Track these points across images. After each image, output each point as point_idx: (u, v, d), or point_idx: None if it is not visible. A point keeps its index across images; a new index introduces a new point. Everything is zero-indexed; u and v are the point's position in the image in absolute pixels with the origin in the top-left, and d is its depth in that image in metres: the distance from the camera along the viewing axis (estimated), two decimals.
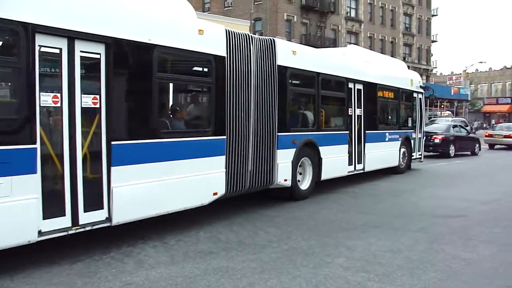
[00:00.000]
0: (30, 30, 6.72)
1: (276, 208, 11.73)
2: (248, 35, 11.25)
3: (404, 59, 68.34)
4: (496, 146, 36.44)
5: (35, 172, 6.79)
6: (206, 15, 43.11)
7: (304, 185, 13.25)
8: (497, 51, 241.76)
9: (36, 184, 6.81)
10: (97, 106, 7.67)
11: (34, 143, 6.78)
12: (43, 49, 6.99)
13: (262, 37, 11.95)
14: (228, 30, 10.54)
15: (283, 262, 7.47)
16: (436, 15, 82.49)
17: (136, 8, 8.48)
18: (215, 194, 10.05)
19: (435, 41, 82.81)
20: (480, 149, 31.67)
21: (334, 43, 56.86)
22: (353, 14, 63.63)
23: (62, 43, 7.19)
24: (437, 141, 27.33)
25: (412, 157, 20.50)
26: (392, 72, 18.92)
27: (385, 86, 17.85)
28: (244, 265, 7.30)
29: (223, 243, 8.55)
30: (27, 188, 6.71)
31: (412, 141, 20.24)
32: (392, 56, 65.52)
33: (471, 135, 32.38)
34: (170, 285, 6.41)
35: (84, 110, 7.46)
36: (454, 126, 30.49)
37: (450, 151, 28.06)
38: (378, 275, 6.91)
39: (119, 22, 8.04)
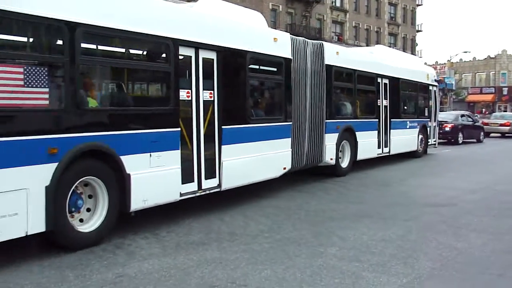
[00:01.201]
0: (175, 43, 9.11)
1: (266, 199, 11.71)
2: (305, 40, 14.00)
3: None
4: (491, 134, 37.94)
5: (178, 149, 9.12)
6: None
7: (344, 163, 15.81)
8: (481, 40, 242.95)
9: (178, 158, 9.13)
10: (212, 99, 10.11)
11: (178, 127, 9.15)
12: (181, 56, 9.32)
13: (314, 41, 14.72)
14: (292, 37, 13.22)
15: (276, 252, 7.43)
16: (421, 4, 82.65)
17: (235, 25, 11.12)
18: (284, 168, 12.51)
19: (420, 31, 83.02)
20: (484, 137, 34.00)
21: (319, 33, 56.83)
22: (338, 3, 63.58)
23: (192, 52, 9.61)
24: (447, 129, 29.20)
25: (428, 143, 23.05)
26: (411, 67, 21.36)
27: (406, 80, 20.34)
28: (237, 255, 7.25)
29: (215, 234, 8.51)
30: (174, 160, 9.03)
31: (428, 129, 22.84)
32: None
33: (476, 124, 34.16)
34: (163, 277, 6.34)
35: (204, 103, 9.86)
36: (462, 116, 32.65)
37: (459, 139, 30.27)
38: (372, 265, 6.90)
39: (225, 35, 10.52)
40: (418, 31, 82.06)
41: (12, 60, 6.67)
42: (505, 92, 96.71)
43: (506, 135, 37.99)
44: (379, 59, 18.62)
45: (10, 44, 6.90)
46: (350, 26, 64.98)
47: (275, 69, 12.75)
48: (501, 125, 38.16)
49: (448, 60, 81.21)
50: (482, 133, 33.65)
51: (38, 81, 6.81)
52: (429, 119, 22.99)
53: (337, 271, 6.63)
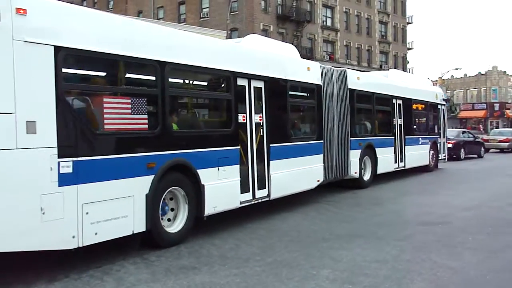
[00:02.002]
0: (234, 75, 10.96)
1: (257, 220, 11.55)
2: (331, 68, 16.09)
3: (380, 67, 68.72)
4: (491, 150, 39.00)
5: (238, 164, 10.89)
6: (183, 26, 42.93)
7: (366, 177, 17.49)
8: (471, 57, 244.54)
9: (238, 171, 10.88)
10: (261, 121, 11.83)
11: (238, 145, 10.96)
12: (238, 86, 11.10)
13: (338, 68, 16.93)
14: (321, 66, 15.12)
15: (268, 276, 7.29)
16: (411, 22, 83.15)
17: (277, 57, 13.09)
18: (318, 181, 14.27)
19: (411, 49, 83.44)
20: (485, 152, 35.12)
21: (310, 52, 56.99)
22: (329, 23, 63.82)
23: (246, 82, 11.42)
24: (450, 145, 28.89)
25: (439, 158, 24.70)
26: (421, 88, 23.32)
27: (417, 100, 22.28)
28: (228, 279, 7.10)
29: (205, 258, 8.35)
30: (235, 173, 10.80)
31: (438, 145, 24.54)
32: (368, 64, 65.93)
33: (477, 140, 35.53)
34: None
35: (256, 125, 11.61)
36: (463, 132, 34.76)
37: (461, 154, 31.39)
38: (365, 287, 6.77)
39: (270, 67, 12.34)
40: (409, 48, 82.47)
41: (123, 94, 8.59)
42: (496, 108, 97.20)
43: (505, 150, 39.33)
44: (394, 82, 20.53)
45: (120, 81, 8.92)
46: (341, 45, 65.19)
47: (308, 94, 14.58)
48: (501, 141, 39.68)
49: (440, 77, 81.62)
50: (482, 149, 34.79)
51: (139, 110, 8.65)
52: (439, 136, 24.69)
53: None
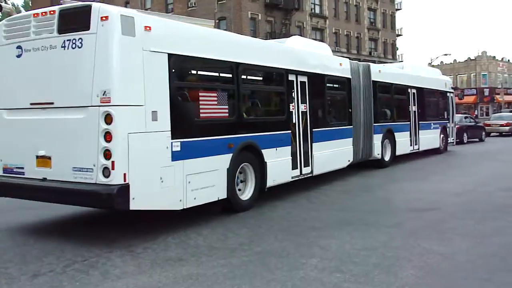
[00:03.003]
0: (289, 72, 13.40)
1: (247, 209, 11.43)
2: (357, 63, 18.58)
3: (370, 54, 68.73)
4: (491, 134, 40.98)
5: (289, 145, 13.16)
6: (170, 16, 42.66)
7: (387, 157, 19.71)
8: (460, 43, 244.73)
9: (289, 151, 13.14)
10: (305, 110, 14.06)
11: (289, 130, 13.24)
12: (289, 80, 13.41)
13: (363, 63, 19.32)
14: (350, 61, 17.65)
15: (256, 266, 7.21)
16: (400, 9, 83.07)
17: (317, 56, 15.50)
18: (349, 161, 16.68)
19: (400, 35, 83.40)
20: (486, 136, 36.89)
21: None
22: (317, 10, 63.65)
23: (294, 77, 13.64)
24: (454, 130, 29.58)
25: (448, 141, 26.76)
26: (432, 78, 25.57)
27: (429, 89, 24.43)
28: (215, 270, 7.01)
29: (193, 249, 8.26)
30: (287, 153, 13.06)
31: (447, 129, 26.61)
32: (357, 51, 65.83)
33: (478, 124, 37.36)
34: None
35: (301, 112, 13.87)
36: (466, 117, 36.21)
37: (464, 138, 32.90)
38: (354, 275, 6.69)
39: (312, 65, 14.67)
40: (398, 35, 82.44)
41: (212, 89, 10.91)
42: (486, 93, 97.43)
43: (504, 134, 41.19)
44: (408, 73, 22.76)
45: (209, 79, 11.50)
46: (330, 32, 65.06)
47: (340, 86, 16.79)
48: (502, 125, 41.61)
49: (429, 63, 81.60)
50: (483, 133, 36.55)
51: (222, 101, 10.97)
52: (448, 121, 26.77)
53: (318, 283, 6.43)
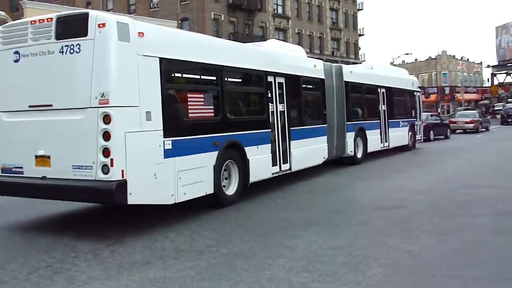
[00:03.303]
0: (268, 74, 14.15)
1: (211, 211, 11.39)
2: (331, 64, 19.62)
3: (332, 54, 69.13)
4: (457, 131, 42.01)
5: (270, 143, 13.87)
6: (133, 17, 42.30)
7: (359, 155, 20.39)
8: (421, 42, 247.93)
9: (269, 149, 13.85)
10: (283, 109, 14.79)
11: (269, 129, 13.95)
12: (268, 81, 14.15)
13: (336, 64, 20.58)
14: (323, 63, 18.55)
15: (223, 268, 7.15)
16: (362, 9, 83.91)
17: (293, 58, 16.50)
18: (324, 157, 17.47)
19: (362, 35, 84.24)
20: (451, 133, 37.99)
21: (262, 41, 56.82)
22: (280, 10, 63.82)
23: (272, 78, 14.34)
24: (421, 128, 30.79)
25: (416, 138, 27.84)
26: (400, 78, 26.77)
27: (397, 88, 25.40)
28: (182, 273, 6.94)
29: (159, 251, 8.17)
30: (268, 150, 13.79)
31: (415, 127, 27.71)
32: (320, 51, 66.16)
33: (443, 122, 39.02)
34: None
35: (280, 112, 14.56)
36: (432, 115, 38.19)
37: (431, 136, 34.05)
38: (322, 275, 6.69)
39: (288, 67, 15.48)
40: (360, 35, 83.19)
41: (199, 91, 11.68)
42: (447, 92, 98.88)
43: (468, 131, 42.33)
44: (378, 74, 23.74)
45: (197, 81, 12.18)
46: (293, 32, 65.29)
47: (315, 87, 17.65)
48: (466, 122, 42.99)
49: (391, 62, 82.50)
50: (448, 130, 37.75)
51: (208, 102, 11.73)
52: (415, 119, 27.88)
53: (286, 283, 6.41)
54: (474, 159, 22.05)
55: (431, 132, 34.41)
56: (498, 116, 62.84)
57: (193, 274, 6.91)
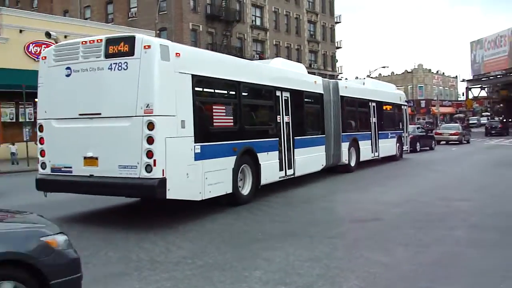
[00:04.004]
0: (276, 89, 15.86)
1: (188, 222, 11.34)
2: (329, 80, 21.97)
3: (310, 66, 69.34)
4: (441, 142, 44.81)
5: (277, 150, 15.57)
6: (111, 26, 42.10)
7: (352, 163, 22.08)
8: (398, 55, 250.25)
9: (277, 155, 15.56)
10: (289, 121, 16.55)
11: (277, 137, 15.75)
12: (276, 95, 15.90)
13: (332, 80, 23.11)
14: (322, 79, 20.72)
15: (199, 280, 7.09)
16: (340, 22, 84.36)
17: (297, 75, 18.35)
18: (322, 165, 19.30)
19: (340, 48, 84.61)
20: (435, 145, 40.06)
21: (240, 52, 56.96)
22: (258, 22, 63.95)
23: (280, 93, 16.09)
24: (408, 139, 32.63)
25: (403, 150, 29.63)
26: (389, 92, 28.89)
27: (387, 102, 27.52)
28: (158, 285, 6.87)
29: (135, 263, 8.06)
30: (276, 157, 15.49)
31: (403, 138, 29.59)
32: (298, 62, 66.44)
33: (429, 134, 40.80)
34: None
35: (285, 123, 16.35)
36: (418, 128, 40.36)
37: (417, 147, 35.79)
38: (299, 287, 6.66)
39: (292, 83, 17.19)
40: (337, 47, 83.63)
41: (222, 103, 13.47)
42: (423, 105, 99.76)
43: (450, 142, 45.33)
44: (370, 89, 25.94)
45: (220, 95, 13.83)
46: (271, 44, 65.44)
47: (315, 101, 19.51)
48: (451, 134, 46.36)
49: (368, 75, 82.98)
50: (434, 142, 39.89)
51: (229, 113, 13.58)
52: (403, 131, 29.81)
53: None
54: (450, 171, 22.56)
55: (418, 144, 36.10)
56: (474, 130, 64.97)
57: (169, 285, 6.84)
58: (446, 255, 8.40)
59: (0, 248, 4.75)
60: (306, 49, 73.35)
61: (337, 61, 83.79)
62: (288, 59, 65.44)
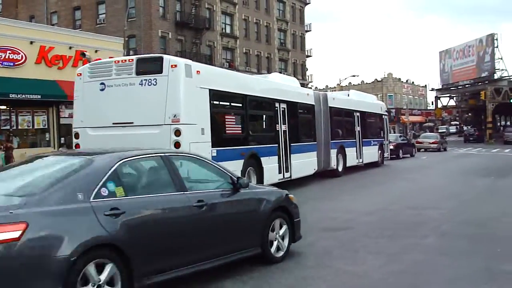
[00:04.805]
0: (275, 101, 18.46)
1: None
2: (319, 93, 24.54)
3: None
4: (421, 149, 48.54)
5: (276, 155, 17.84)
6: (78, 32, 41.61)
7: (340, 168, 24.12)
8: (368, 64, 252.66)
9: (276, 160, 17.86)
10: (285, 129, 18.78)
11: (277, 144, 18.11)
12: (275, 106, 18.41)
13: (322, 92, 25.59)
14: (314, 92, 23.87)
15: None
16: (310, 30, 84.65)
17: (292, 88, 20.81)
18: (314, 169, 21.42)
19: (310, 56, 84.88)
20: (416, 152, 43.36)
21: (210, 60, 56.80)
22: (228, 30, 63.79)
23: (278, 104, 18.56)
24: (391, 147, 36.06)
25: (384, 156, 31.92)
26: (371, 103, 31.65)
27: (369, 112, 30.03)
28: None
29: None
30: (275, 161, 17.82)
31: (384, 146, 31.91)
32: (268, 71, 66.42)
33: (410, 142, 45.69)
34: None
35: (283, 131, 18.61)
36: (400, 136, 45.25)
37: (400, 154, 38.69)
38: None
39: (289, 95, 19.60)
40: (308, 56, 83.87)
41: (232, 113, 16.09)
42: (392, 114, 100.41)
43: (429, 150, 49.25)
44: (354, 100, 28.48)
45: (231, 106, 16.43)
46: (240, 52, 65.34)
47: (308, 111, 21.92)
48: (431, 143, 51.12)
49: (338, 84, 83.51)
50: (414, 149, 43.45)
51: (237, 122, 16.15)
52: (384, 139, 32.17)
53: None
54: (421, 180, 23.09)
55: (401, 151, 38.98)
56: (446, 138, 67.79)
57: None
58: (416, 263, 8.38)
59: (272, 198, 8.48)
60: (276, 57, 73.43)
61: (307, 70, 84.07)
62: (258, 67, 66.14)
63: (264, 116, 18.72)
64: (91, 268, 5.44)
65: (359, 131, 27.33)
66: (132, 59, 13.75)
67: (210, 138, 13.91)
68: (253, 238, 7.91)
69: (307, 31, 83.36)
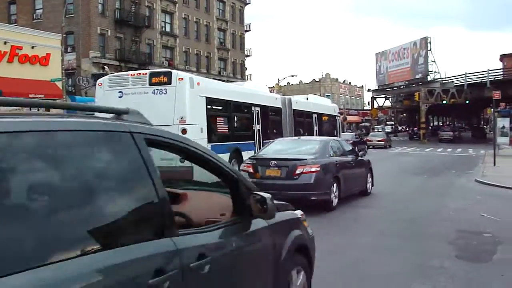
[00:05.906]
0: (252, 105, 23.84)
1: None
2: (285, 97, 29.52)
3: (219, 73, 69.58)
4: (369, 147, 52.62)
5: (254, 150, 22.32)
6: (13, 27, 40.63)
7: None
8: (306, 65, 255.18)
9: (253, 153, 19.78)
10: (259, 128, 23.90)
11: (253, 140, 23.54)
12: (251, 109, 23.84)
13: (287, 96, 30.07)
14: (281, 96, 29.94)
15: None
16: (249, 30, 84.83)
17: (263, 93, 26.78)
18: None
19: (249, 56, 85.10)
20: (367, 149, 45.37)
21: (149, 58, 56.34)
22: (168, 28, 63.32)
23: (254, 108, 23.82)
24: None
25: None
26: (326, 105, 36.29)
27: (324, 114, 34.43)
28: None
29: None
30: (252, 154, 19.29)
31: None
32: (207, 70, 66.49)
33: (362, 140, 51.33)
34: None
35: (257, 130, 23.85)
36: (355, 135, 51.77)
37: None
38: None
39: (262, 100, 24.74)
40: (247, 56, 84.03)
41: (221, 116, 21.08)
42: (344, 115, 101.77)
43: (376, 147, 56.14)
44: (313, 103, 32.88)
45: (220, 110, 21.04)
46: (180, 51, 64.95)
47: (276, 113, 26.43)
48: (379, 140, 58.96)
49: (277, 84, 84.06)
50: (366, 147, 47.26)
51: (225, 122, 21.07)
52: (336, 136, 34.05)
53: None
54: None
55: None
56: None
57: None
58: (352, 260, 8.59)
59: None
60: (215, 56, 73.35)
61: (246, 69, 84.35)
62: (198, 66, 66.05)
63: (244, 117, 23.17)
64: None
65: (316, 130, 31.71)
66: (146, 73, 18.11)
67: (207, 135, 18.00)
68: None
69: (246, 31, 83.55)
